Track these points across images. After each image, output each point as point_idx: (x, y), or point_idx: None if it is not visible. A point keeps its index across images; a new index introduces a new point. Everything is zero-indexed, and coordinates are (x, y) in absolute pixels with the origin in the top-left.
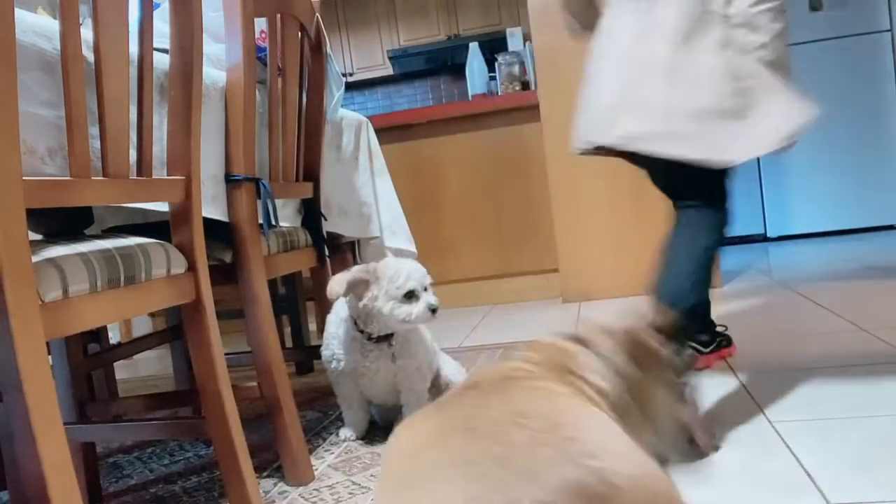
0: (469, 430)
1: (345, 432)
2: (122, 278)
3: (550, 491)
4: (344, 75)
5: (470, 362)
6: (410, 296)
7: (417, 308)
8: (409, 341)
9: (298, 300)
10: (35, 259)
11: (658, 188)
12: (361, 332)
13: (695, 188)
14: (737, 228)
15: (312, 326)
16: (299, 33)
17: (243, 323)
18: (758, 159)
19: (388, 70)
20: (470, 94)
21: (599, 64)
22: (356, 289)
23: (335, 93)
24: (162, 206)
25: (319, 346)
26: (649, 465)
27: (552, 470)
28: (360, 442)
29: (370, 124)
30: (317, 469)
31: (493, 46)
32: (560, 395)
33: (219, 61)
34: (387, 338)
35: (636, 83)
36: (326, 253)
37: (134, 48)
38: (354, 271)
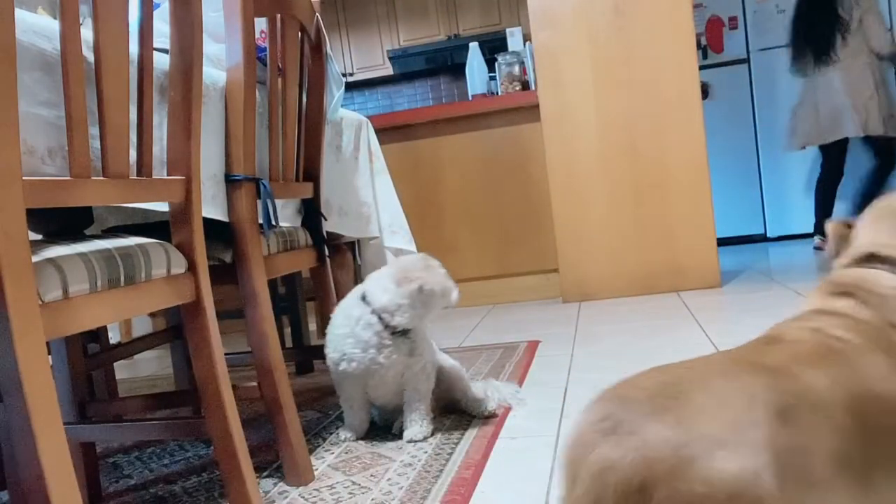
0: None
1: (344, 433)
2: (122, 278)
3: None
4: (344, 75)
5: (470, 362)
6: None
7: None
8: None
9: (298, 300)
10: (35, 259)
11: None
12: (385, 326)
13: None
14: (737, 228)
15: (312, 326)
16: (299, 33)
17: (243, 323)
18: (758, 160)
19: (388, 70)
20: (470, 94)
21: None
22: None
23: (335, 93)
24: (162, 206)
25: (319, 346)
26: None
27: (640, 424)
28: (361, 442)
29: (370, 124)
30: (317, 469)
31: (493, 46)
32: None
33: (219, 61)
34: (405, 332)
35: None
36: (326, 253)
37: (134, 48)
38: (417, 265)
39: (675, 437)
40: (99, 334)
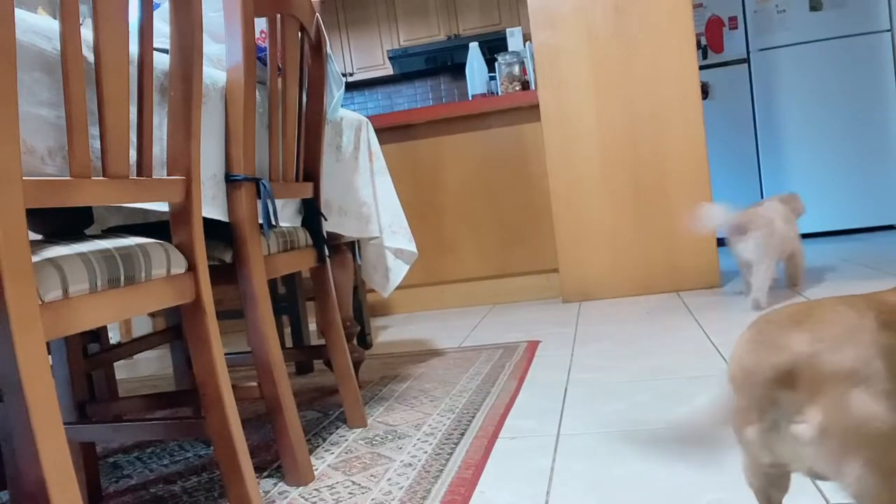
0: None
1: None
2: (122, 278)
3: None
4: (344, 75)
5: (470, 362)
6: None
7: None
8: None
9: (298, 300)
10: (35, 259)
11: None
12: None
13: None
14: None
15: (312, 326)
16: (299, 33)
17: (243, 323)
18: (758, 160)
19: (388, 70)
20: (470, 94)
21: None
22: None
23: (335, 93)
24: (162, 206)
25: (319, 346)
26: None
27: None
28: (361, 442)
29: (370, 124)
30: (317, 469)
31: (493, 46)
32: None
33: (219, 61)
34: None
35: None
36: (326, 253)
37: (134, 48)
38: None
39: (809, 338)
40: (99, 334)
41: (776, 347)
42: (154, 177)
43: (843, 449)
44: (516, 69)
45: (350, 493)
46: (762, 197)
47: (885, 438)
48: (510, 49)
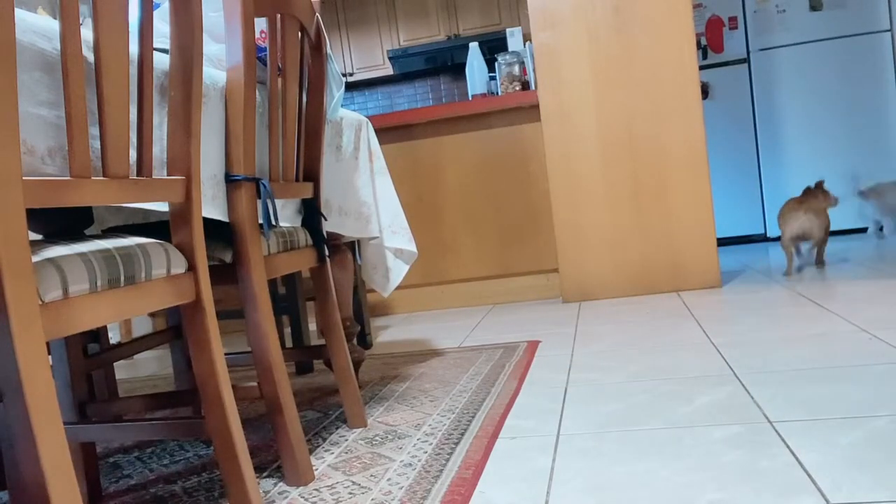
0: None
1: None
2: (122, 278)
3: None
4: (344, 75)
5: (470, 362)
6: None
7: None
8: None
9: (298, 300)
10: (35, 259)
11: None
12: None
13: None
14: (737, 228)
15: (312, 326)
16: (299, 33)
17: (243, 323)
18: (758, 160)
19: (388, 70)
20: (470, 94)
21: None
22: None
23: (335, 93)
24: (162, 206)
25: (319, 346)
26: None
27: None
28: (361, 442)
29: (370, 124)
30: (317, 469)
31: (493, 46)
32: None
33: (219, 61)
34: None
35: None
36: (326, 253)
37: (134, 48)
38: None
39: (812, 204)
40: (99, 334)
41: (802, 208)
42: (154, 177)
43: (821, 222)
44: (516, 69)
45: (350, 493)
46: (762, 197)
47: (826, 221)
48: (510, 49)
